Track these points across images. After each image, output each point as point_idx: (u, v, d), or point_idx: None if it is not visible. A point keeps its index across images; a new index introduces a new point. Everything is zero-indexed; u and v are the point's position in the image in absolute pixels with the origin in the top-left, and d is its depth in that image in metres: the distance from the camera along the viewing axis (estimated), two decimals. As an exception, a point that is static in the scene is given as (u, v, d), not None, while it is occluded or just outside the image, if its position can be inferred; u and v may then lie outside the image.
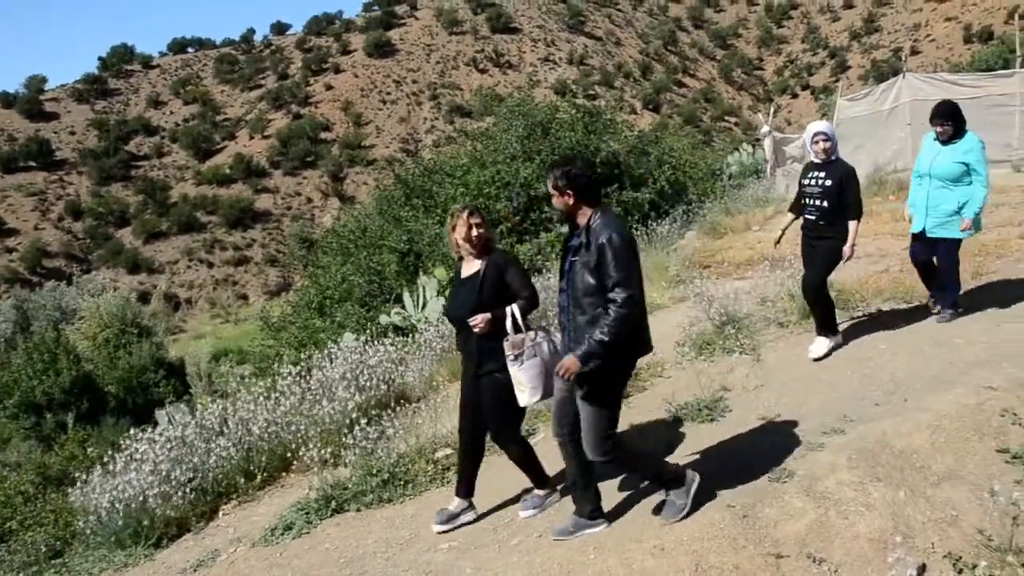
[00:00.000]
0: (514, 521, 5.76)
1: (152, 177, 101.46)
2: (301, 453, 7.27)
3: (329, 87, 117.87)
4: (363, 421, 7.50)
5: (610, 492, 5.56)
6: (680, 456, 6.01)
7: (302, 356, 10.54)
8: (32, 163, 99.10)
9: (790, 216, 8.13)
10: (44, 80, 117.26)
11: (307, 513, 6.71)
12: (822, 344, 7.60)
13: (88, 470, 7.89)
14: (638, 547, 4.59)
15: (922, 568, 4.12)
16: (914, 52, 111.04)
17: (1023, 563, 3.94)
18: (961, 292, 8.08)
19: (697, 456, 5.84)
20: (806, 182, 7.68)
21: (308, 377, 9.02)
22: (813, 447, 5.27)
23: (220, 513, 7.63)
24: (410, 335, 11.86)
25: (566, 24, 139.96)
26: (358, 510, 6.68)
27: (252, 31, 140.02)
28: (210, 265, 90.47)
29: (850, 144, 16.67)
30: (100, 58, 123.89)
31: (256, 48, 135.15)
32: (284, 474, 8.06)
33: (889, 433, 5.18)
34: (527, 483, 5.99)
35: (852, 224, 7.41)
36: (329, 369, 9.10)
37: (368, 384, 8.79)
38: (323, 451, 7.17)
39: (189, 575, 6.40)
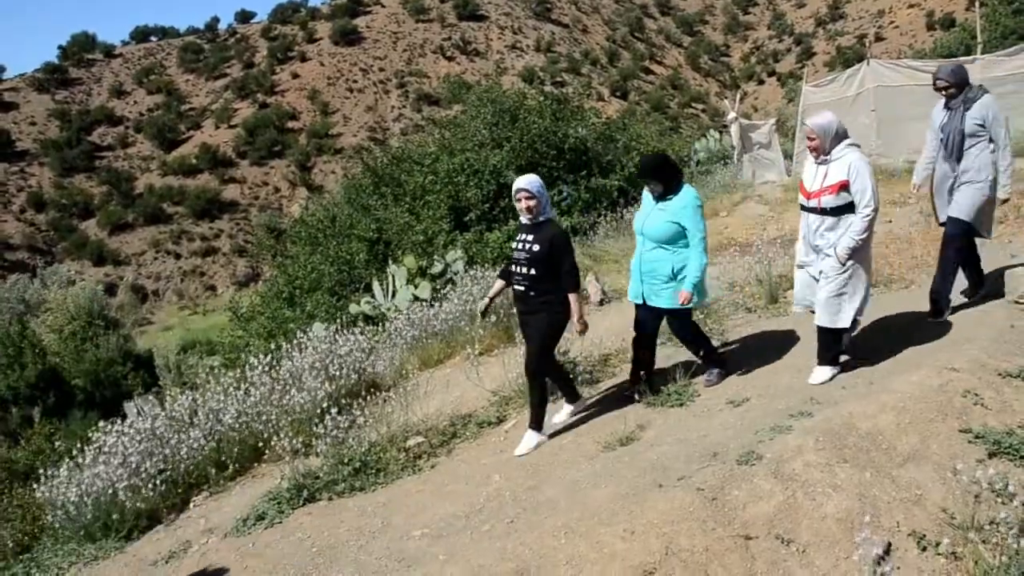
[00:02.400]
0: (485, 507, 5.79)
1: (116, 168, 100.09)
2: (272, 443, 7.26)
3: (295, 76, 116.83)
4: (334, 410, 7.50)
5: (573, 482, 5.60)
6: (650, 440, 6.07)
7: (272, 346, 10.51)
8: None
9: (499, 283, 7.00)
10: (2, 69, 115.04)
11: (279, 503, 6.71)
12: (531, 439, 6.67)
13: (56, 464, 7.84)
14: (608, 531, 4.61)
15: (888, 547, 4.17)
16: (878, 39, 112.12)
17: (984, 540, 4.01)
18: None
19: (668, 439, 5.88)
20: (514, 245, 6.67)
21: (278, 367, 9.00)
22: (781, 430, 5.32)
23: (191, 504, 7.61)
24: (380, 324, 11.87)
25: (532, 11, 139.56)
26: (330, 499, 6.69)
27: (216, 19, 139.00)
28: (177, 256, 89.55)
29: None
30: (60, 47, 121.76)
31: (221, 37, 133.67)
32: (255, 464, 8.04)
33: (855, 415, 5.24)
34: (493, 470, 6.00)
35: (572, 298, 6.41)
36: (299, 359, 9.09)
37: (338, 373, 8.79)
38: (294, 441, 7.16)
39: (161, 567, 6.38)
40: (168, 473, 7.55)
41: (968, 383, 5.42)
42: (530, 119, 17.55)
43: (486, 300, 7.05)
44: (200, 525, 6.95)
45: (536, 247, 6.37)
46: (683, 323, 6.95)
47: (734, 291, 9.51)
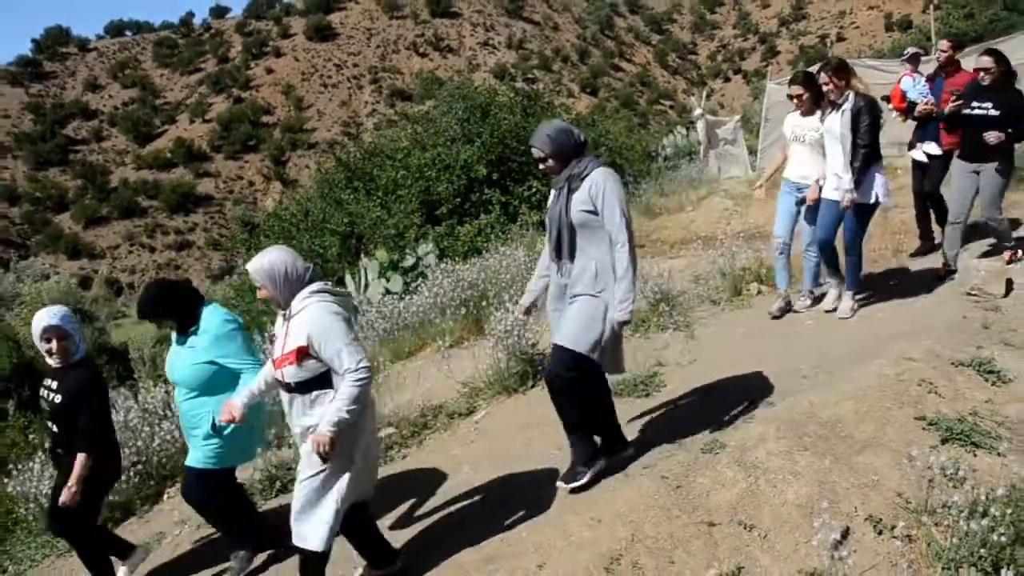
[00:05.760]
0: (455, 497, 5.86)
1: (91, 161, 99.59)
2: (244, 434, 7.27)
3: (270, 71, 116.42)
4: (306, 402, 7.52)
5: (542, 473, 5.69)
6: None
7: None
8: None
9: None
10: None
11: (252, 494, 6.73)
12: None
13: (30, 457, 7.81)
14: (576, 519, 4.70)
15: (846, 531, 4.26)
16: (839, 39, 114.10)
17: (937, 523, 4.14)
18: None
19: (633, 429, 5.98)
20: (41, 392, 5.20)
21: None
22: (744, 419, 5.44)
23: (165, 496, 7.59)
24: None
25: (504, 9, 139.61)
26: (302, 490, 6.72)
27: (191, 14, 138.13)
28: (152, 250, 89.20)
29: (780, 127, 16.92)
30: (34, 40, 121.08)
31: (195, 31, 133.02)
32: (228, 456, 8.05)
33: (816, 404, 5.35)
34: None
35: (79, 460, 5.03)
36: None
37: (310, 366, 8.80)
38: (266, 432, 7.18)
39: (134, 558, 6.39)
40: (141, 465, 7.55)
41: (923, 372, 5.55)
42: (501, 115, 17.59)
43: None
44: (173, 517, 6.95)
45: (58, 397, 5.05)
46: (206, 489, 5.26)
47: (698, 284, 9.61)
